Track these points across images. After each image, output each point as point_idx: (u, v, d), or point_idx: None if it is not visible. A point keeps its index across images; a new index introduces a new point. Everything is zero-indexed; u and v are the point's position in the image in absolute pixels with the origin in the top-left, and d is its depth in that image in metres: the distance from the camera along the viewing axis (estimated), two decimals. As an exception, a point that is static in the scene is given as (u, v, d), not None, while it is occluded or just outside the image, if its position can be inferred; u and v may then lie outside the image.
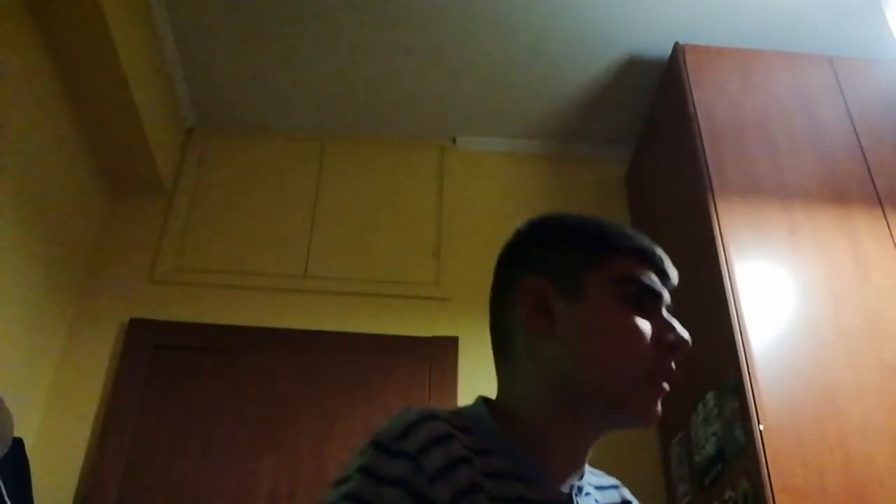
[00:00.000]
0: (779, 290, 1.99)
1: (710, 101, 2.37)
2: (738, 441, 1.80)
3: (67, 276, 2.51)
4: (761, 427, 1.74)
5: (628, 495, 0.92)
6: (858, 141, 2.30)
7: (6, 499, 1.84)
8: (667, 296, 0.85)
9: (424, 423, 0.71)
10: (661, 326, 0.80)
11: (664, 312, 0.82)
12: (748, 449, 1.75)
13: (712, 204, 2.13)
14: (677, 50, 2.53)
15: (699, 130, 2.29)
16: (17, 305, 2.21)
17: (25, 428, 2.18)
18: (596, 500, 0.85)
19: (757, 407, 1.77)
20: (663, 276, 0.85)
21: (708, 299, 2.08)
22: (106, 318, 2.54)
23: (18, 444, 2.01)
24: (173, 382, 2.44)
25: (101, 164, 2.65)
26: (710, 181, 2.18)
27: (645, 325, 0.79)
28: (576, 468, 0.82)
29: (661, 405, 0.80)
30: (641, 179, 2.88)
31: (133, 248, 2.72)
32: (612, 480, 0.93)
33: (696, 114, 2.34)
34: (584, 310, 0.81)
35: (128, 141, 2.58)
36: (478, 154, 3.07)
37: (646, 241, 0.88)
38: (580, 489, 0.81)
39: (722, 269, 2.01)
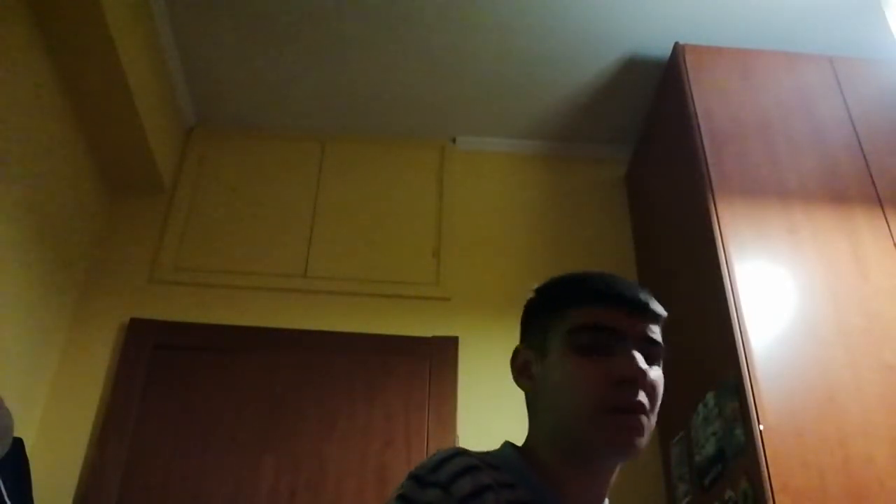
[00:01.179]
0: (779, 290, 1.99)
1: (710, 100, 2.37)
2: (738, 441, 1.80)
3: (67, 275, 2.51)
4: (761, 427, 1.74)
5: None
6: (858, 141, 2.30)
7: (6, 499, 1.84)
8: (638, 329, 0.90)
9: (455, 458, 0.81)
10: (614, 363, 0.86)
11: (629, 349, 0.88)
12: (748, 449, 1.75)
13: (712, 204, 2.13)
14: (677, 50, 2.53)
15: (699, 130, 2.29)
16: (17, 305, 2.21)
17: (25, 428, 2.18)
18: None
19: (757, 407, 1.77)
20: (633, 312, 0.91)
21: (708, 299, 2.08)
22: (106, 318, 2.54)
23: (18, 444, 2.01)
24: (173, 382, 2.44)
25: (101, 163, 2.65)
26: (710, 181, 2.18)
27: (594, 367, 0.87)
28: (593, 501, 0.90)
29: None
30: (641, 179, 2.88)
31: (133, 247, 2.72)
32: None
33: (696, 114, 2.34)
34: (547, 366, 0.92)
35: (128, 141, 2.58)
36: (478, 154, 3.07)
37: (607, 285, 0.93)
38: None
39: (722, 268, 2.01)
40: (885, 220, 2.13)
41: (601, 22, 2.60)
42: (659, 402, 0.89)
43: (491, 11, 2.57)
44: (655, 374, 0.90)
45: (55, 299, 2.43)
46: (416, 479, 0.80)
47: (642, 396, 0.85)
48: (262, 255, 2.74)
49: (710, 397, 1.99)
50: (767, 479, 1.66)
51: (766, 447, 1.71)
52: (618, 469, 0.91)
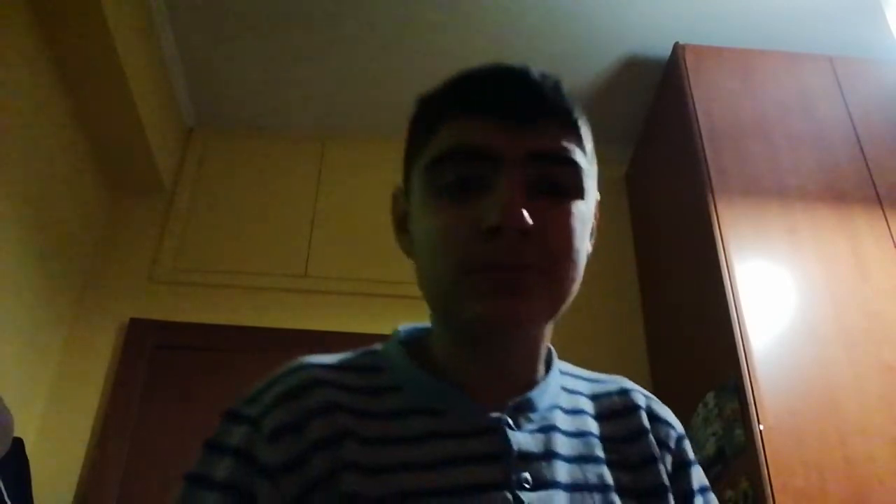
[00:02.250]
0: (779, 290, 1.99)
1: (710, 100, 2.37)
2: (738, 441, 1.80)
3: (67, 275, 2.50)
4: (761, 427, 1.74)
5: (639, 399, 0.75)
6: (858, 141, 2.30)
7: (6, 499, 1.83)
8: (528, 146, 0.63)
9: (284, 378, 0.66)
10: (482, 209, 0.61)
11: (503, 181, 0.61)
12: (748, 449, 1.75)
13: (712, 204, 2.13)
14: (677, 50, 2.53)
15: (699, 130, 2.29)
16: (17, 305, 2.21)
17: (25, 428, 2.18)
18: (575, 413, 0.70)
19: (757, 407, 1.77)
20: (517, 119, 0.63)
21: (708, 299, 2.08)
22: (106, 318, 2.54)
23: (18, 444, 2.01)
24: (173, 382, 2.44)
25: (101, 164, 2.65)
26: (710, 181, 2.17)
27: (457, 215, 0.62)
28: (508, 384, 0.68)
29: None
30: (641, 179, 2.88)
31: (133, 247, 2.72)
32: (613, 383, 0.77)
33: (696, 114, 2.34)
34: (412, 217, 0.69)
35: (128, 141, 2.58)
36: (478, 154, 3.06)
37: (477, 81, 0.66)
38: (522, 407, 0.67)
39: (722, 268, 2.01)
40: (885, 220, 2.13)
41: (601, 22, 2.60)
42: (574, 255, 0.64)
43: (492, 12, 2.57)
44: (559, 211, 0.63)
45: (55, 299, 2.43)
46: (228, 415, 0.66)
47: (520, 249, 0.60)
48: (263, 255, 2.74)
49: (709, 397, 1.99)
50: (767, 479, 1.66)
51: (766, 447, 1.71)
52: (538, 343, 0.70)
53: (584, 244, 0.66)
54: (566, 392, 0.72)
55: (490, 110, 0.64)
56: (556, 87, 0.66)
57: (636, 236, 2.85)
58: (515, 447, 0.63)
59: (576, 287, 0.66)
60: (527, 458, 0.63)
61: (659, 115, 2.70)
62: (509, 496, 0.60)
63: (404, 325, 0.75)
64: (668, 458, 0.71)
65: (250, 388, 0.67)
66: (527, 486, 0.61)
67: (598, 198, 0.77)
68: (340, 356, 0.72)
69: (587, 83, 2.83)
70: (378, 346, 0.74)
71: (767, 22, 2.58)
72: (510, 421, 0.65)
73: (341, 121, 3.01)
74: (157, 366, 2.46)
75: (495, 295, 0.61)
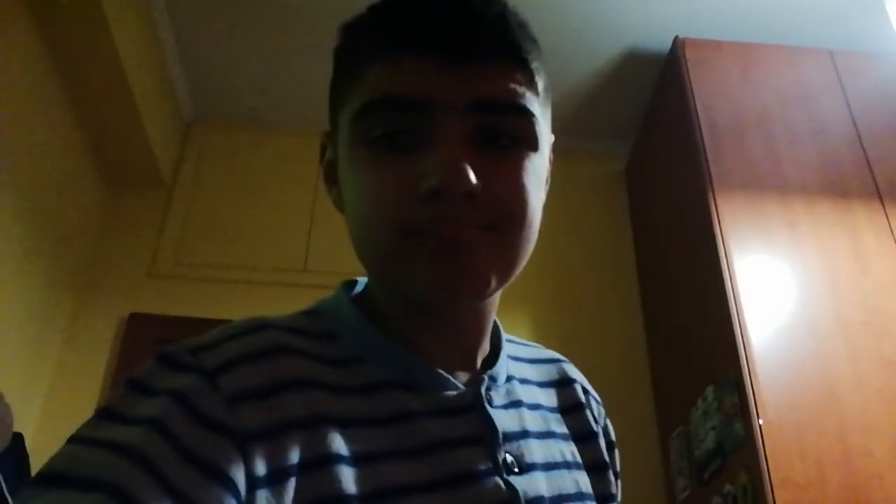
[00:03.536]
0: (779, 285, 1.99)
1: (710, 94, 2.37)
2: (737, 435, 1.80)
3: (67, 271, 2.50)
4: (761, 421, 1.74)
5: (572, 372, 0.73)
6: (858, 135, 2.29)
7: (6, 494, 1.84)
8: (471, 90, 0.54)
9: (247, 335, 0.54)
10: (420, 167, 0.53)
11: (440, 135, 0.53)
12: (748, 443, 1.75)
13: (712, 198, 2.13)
14: (677, 44, 2.52)
15: (699, 124, 2.29)
16: (16, 301, 2.21)
17: (25, 423, 2.18)
18: (525, 383, 0.67)
19: (756, 401, 1.77)
20: (454, 57, 0.54)
21: (708, 294, 2.08)
22: (105, 313, 2.54)
23: (19, 439, 2.01)
24: (173, 377, 2.44)
25: (100, 158, 2.64)
26: (710, 175, 2.17)
27: (392, 173, 0.54)
28: (463, 356, 0.63)
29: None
30: (641, 174, 2.88)
31: (132, 242, 2.72)
32: (544, 351, 0.75)
33: (696, 108, 2.33)
34: (340, 164, 0.60)
35: (127, 136, 2.57)
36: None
37: (410, 9, 0.56)
38: (494, 379, 0.62)
39: (722, 263, 2.01)
40: (884, 215, 2.13)
41: (600, 16, 2.59)
42: (529, 213, 0.56)
43: (490, 5, 2.56)
44: (508, 167, 0.55)
45: (55, 294, 2.43)
46: (163, 360, 0.53)
47: (466, 212, 0.53)
48: (262, 249, 2.74)
49: (709, 391, 1.99)
50: (767, 473, 1.67)
51: (765, 441, 1.71)
52: (490, 311, 0.64)
53: (538, 201, 0.58)
54: (512, 360, 0.68)
55: (422, 49, 0.54)
56: (502, 15, 0.56)
57: (636, 231, 2.85)
58: (500, 427, 0.58)
59: (531, 248, 0.58)
60: (508, 439, 0.58)
61: (659, 110, 2.69)
62: (501, 484, 0.55)
63: (349, 280, 0.66)
64: (601, 437, 0.70)
65: (196, 338, 0.55)
66: (515, 470, 0.57)
67: (553, 139, 0.68)
68: (288, 317, 0.62)
69: (587, 78, 2.82)
70: (322, 306, 0.64)
71: (768, 16, 2.57)
72: (488, 396, 0.60)
73: (340, 115, 3.00)
74: (157, 361, 2.46)
75: (441, 259, 0.53)
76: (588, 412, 0.69)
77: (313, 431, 0.51)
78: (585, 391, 0.72)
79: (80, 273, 2.59)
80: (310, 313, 0.64)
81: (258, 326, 0.56)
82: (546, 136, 0.61)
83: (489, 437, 0.58)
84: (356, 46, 0.59)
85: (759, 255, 2.04)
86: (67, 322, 2.50)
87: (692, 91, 2.38)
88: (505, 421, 0.59)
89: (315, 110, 2.99)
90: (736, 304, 1.93)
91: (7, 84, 2.08)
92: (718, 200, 2.12)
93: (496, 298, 0.64)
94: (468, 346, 0.63)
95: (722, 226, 2.08)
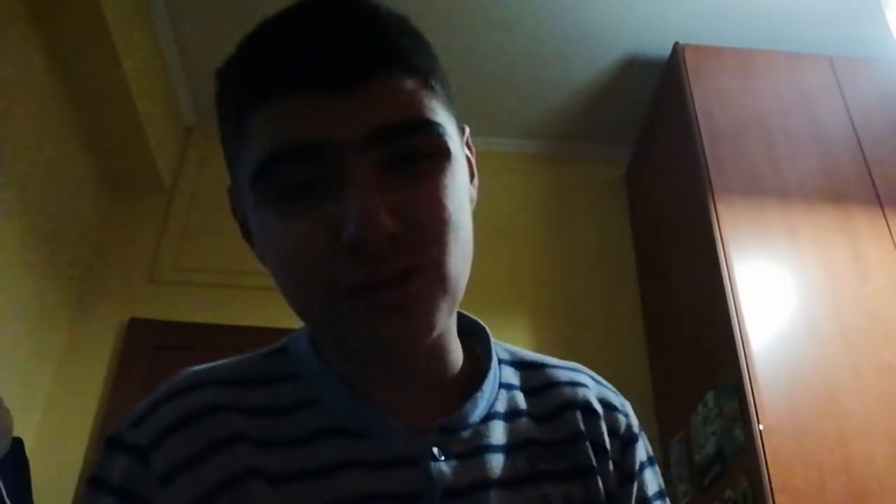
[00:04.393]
0: (779, 290, 1.99)
1: (709, 100, 2.37)
2: (737, 441, 1.80)
3: (67, 275, 2.50)
4: (761, 427, 1.74)
5: (581, 393, 0.65)
6: (858, 141, 2.30)
7: (6, 499, 1.83)
8: (361, 119, 0.50)
9: (174, 400, 0.56)
10: (334, 216, 0.50)
11: (347, 179, 0.50)
12: (748, 449, 1.75)
13: (712, 204, 2.13)
14: (677, 50, 2.53)
15: (699, 130, 2.29)
16: (16, 305, 2.21)
17: (25, 428, 2.18)
18: (515, 417, 0.62)
19: (757, 407, 1.77)
20: (338, 88, 0.50)
21: (708, 299, 2.08)
22: (106, 318, 2.54)
23: (18, 443, 2.01)
24: (173, 382, 2.43)
25: (100, 163, 2.65)
26: (710, 181, 2.18)
27: (305, 231, 0.51)
28: (427, 395, 0.60)
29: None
30: (641, 179, 2.88)
31: (133, 247, 2.72)
32: (557, 376, 0.67)
33: (695, 114, 2.34)
34: (251, 220, 0.57)
35: (127, 140, 2.57)
36: (477, 154, 3.04)
37: (277, 50, 0.53)
38: (452, 426, 0.58)
39: (722, 269, 2.01)
40: (884, 220, 2.13)
41: (601, 22, 2.60)
42: (458, 233, 0.54)
43: (491, 11, 2.57)
44: (427, 188, 0.52)
45: (55, 299, 2.43)
46: (111, 441, 0.56)
47: (392, 257, 0.50)
48: (262, 254, 2.73)
49: (709, 397, 1.99)
50: (767, 478, 1.67)
51: (765, 447, 1.71)
52: (446, 343, 0.61)
53: (465, 213, 0.55)
54: (504, 389, 0.63)
55: (301, 87, 0.49)
56: (374, 24, 0.52)
57: (636, 236, 2.85)
58: (439, 484, 0.55)
59: (469, 260, 0.56)
60: (452, 495, 0.55)
61: (659, 116, 2.70)
62: None
63: None
64: (609, 463, 0.62)
65: (133, 409, 0.57)
66: None
67: (467, 130, 0.64)
68: (240, 362, 0.62)
69: (587, 83, 2.83)
70: (286, 343, 0.64)
71: (767, 21, 2.58)
72: (435, 450, 0.56)
73: (341, 120, 3.01)
74: (157, 366, 2.45)
75: (381, 318, 0.51)
76: (586, 444, 0.62)
77: (240, 489, 0.52)
78: (590, 412, 0.64)
79: (81, 278, 2.59)
80: (278, 351, 0.64)
81: (192, 385, 0.58)
82: (456, 137, 0.58)
83: (427, 494, 0.54)
84: (234, 96, 0.54)
85: (759, 261, 2.04)
86: (67, 327, 2.50)
87: (692, 97, 2.38)
88: (453, 475, 0.55)
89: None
90: (736, 310, 1.93)
91: (7, 89, 2.08)
92: (718, 206, 2.13)
93: (452, 322, 0.62)
94: (427, 384, 0.60)
95: (722, 231, 2.08)
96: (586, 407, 0.64)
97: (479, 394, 0.60)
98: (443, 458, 0.56)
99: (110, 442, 0.56)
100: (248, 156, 0.52)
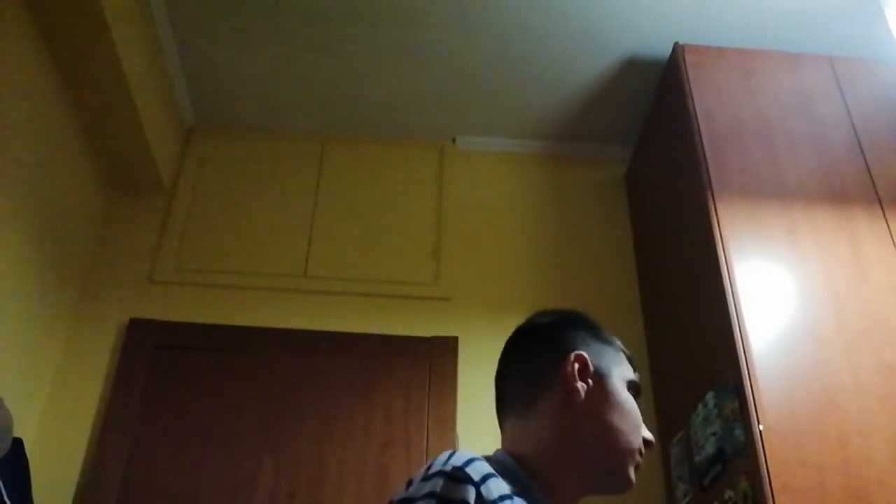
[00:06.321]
0: (778, 291, 1.99)
1: (709, 101, 2.37)
2: (737, 441, 1.80)
3: (67, 276, 2.51)
4: (761, 427, 1.74)
5: None
6: (858, 141, 2.30)
7: (6, 499, 1.84)
8: None
9: (476, 462, 0.81)
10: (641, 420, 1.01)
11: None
12: (748, 449, 1.75)
13: (712, 204, 2.13)
14: (677, 50, 2.53)
15: (699, 130, 2.29)
16: (16, 305, 2.21)
17: (25, 428, 2.18)
18: None
19: (757, 407, 1.77)
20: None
21: (708, 299, 2.08)
22: (106, 319, 2.54)
23: (18, 444, 2.01)
24: (173, 382, 2.44)
25: (100, 163, 2.65)
26: (710, 181, 2.18)
27: (638, 417, 1.00)
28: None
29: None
30: (641, 180, 2.88)
31: (133, 248, 2.72)
32: None
33: (695, 114, 2.34)
34: (609, 386, 0.99)
35: (127, 141, 2.58)
36: (478, 154, 3.07)
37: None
38: None
39: (721, 269, 2.01)
40: (884, 221, 2.13)
41: (601, 22, 2.60)
42: None
43: (491, 12, 2.57)
44: None
45: (55, 299, 2.43)
46: (448, 476, 0.78)
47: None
48: (262, 255, 2.74)
49: (709, 397, 1.99)
50: (767, 478, 1.66)
51: (765, 447, 1.71)
52: None
53: None
54: None
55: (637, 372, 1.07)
56: None
57: (636, 236, 2.85)
58: None
59: None
60: None
61: (659, 116, 2.70)
62: None
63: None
64: None
65: (451, 458, 0.81)
66: None
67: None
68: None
69: (587, 83, 2.83)
70: (489, 455, 0.94)
71: (767, 22, 2.58)
72: None
73: (341, 121, 3.01)
74: (157, 366, 2.46)
75: (634, 476, 0.97)
76: None
77: None
78: None
79: (81, 278, 2.59)
80: (485, 458, 0.88)
81: (477, 458, 0.82)
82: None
83: None
84: (619, 346, 1.09)
85: (758, 261, 2.04)
86: (67, 327, 2.50)
87: (692, 97, 2.38)
88: None
89: (315, 117, 3.01)
90: (736, 310, 1.93)
91: (7, 89, 2.09)
92: (718, 206, 2.13)
93: None
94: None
95: (722, 231, 2.08)
96: None
97: None
98: None
99: (450, 476, 0.78)
100: (627, 371, 1.05)
